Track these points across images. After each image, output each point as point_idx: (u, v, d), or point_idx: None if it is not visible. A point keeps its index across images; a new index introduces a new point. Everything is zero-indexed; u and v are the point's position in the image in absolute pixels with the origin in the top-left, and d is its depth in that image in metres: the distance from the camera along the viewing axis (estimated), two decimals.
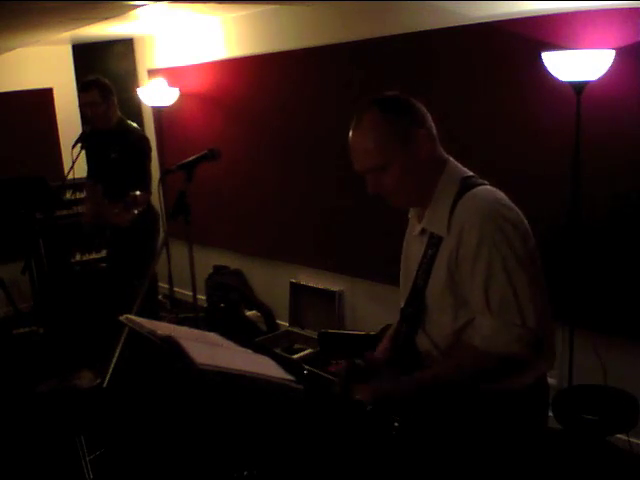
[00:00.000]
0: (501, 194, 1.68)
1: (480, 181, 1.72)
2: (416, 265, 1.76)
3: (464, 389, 1.63)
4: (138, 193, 3.66)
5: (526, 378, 1.65)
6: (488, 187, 1.70)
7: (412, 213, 1.87)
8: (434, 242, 1.70)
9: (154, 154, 5.20)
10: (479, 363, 1.61)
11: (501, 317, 1.58)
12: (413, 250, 1.83)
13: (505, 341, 1.57)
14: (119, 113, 3.99)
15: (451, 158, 1.77)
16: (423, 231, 1.75)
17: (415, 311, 1.75)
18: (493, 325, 1.58)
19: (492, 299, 1.58)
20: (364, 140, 1.67)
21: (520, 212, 1.67)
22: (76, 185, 5.09)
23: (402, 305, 1.82)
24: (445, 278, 1.65)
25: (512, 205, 1.66)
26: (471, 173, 1.75)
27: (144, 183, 3.87)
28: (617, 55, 2.64)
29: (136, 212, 3.69)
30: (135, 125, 4.08)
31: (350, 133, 1.71)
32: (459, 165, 1.77)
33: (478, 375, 1.62)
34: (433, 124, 1.73)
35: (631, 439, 2.93)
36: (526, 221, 1.67)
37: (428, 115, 1.73)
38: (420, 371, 1.69)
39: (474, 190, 1.67)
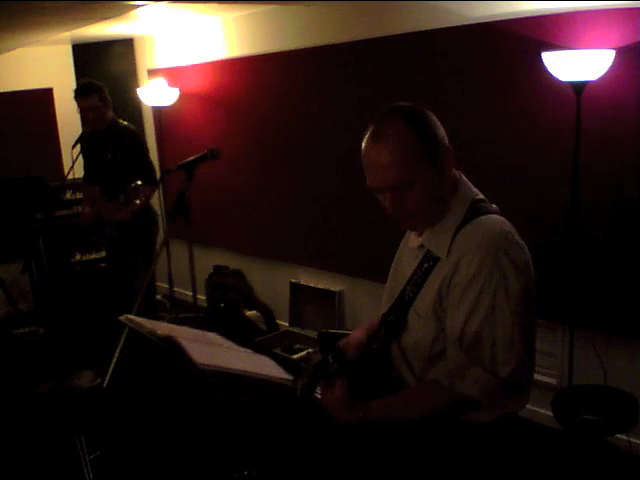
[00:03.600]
0: (508, 226, 1.57)
1: (490, 207, 1.63)
2: (407, 275, 1.69)
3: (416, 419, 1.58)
4: (139, 183, 3.65)
5: (485, 417, 1.56)
6: (496, 217, 1.60)
7: None
8: (431, 257, 1.62)
9: (154, 154, 5.22)
10: (434, 398, 1.55)
11: (469, 354, 1.50)
12: (407, 260, 1.75)
13: (465, 380, 1.51)
14: (112, 113, 4.00)
15: (463, 176, 1.67)
16: (421, 246, 1.67)
17: (396, 321, 1.68)
18: (458, 360, 1.52)
19: (467, 334, 1.50)
20: (389, 153, 1.51)
21: (525, 247, 1.57)
22: (76, 185, 5.08)
23: (384, 311, 1.75)
24: (433, 301, 1.58)
25: (518, 240, 1.56)
26: (481, 195, 1.65)
27: (148, 177, 3.88)
28: (617, 55, 2.64)
29: (138, 202, 3.67)
30: (126, 123, 4.09)
31: (368, 145, 1.56)
32: (470, 184, 1.67)
33: (431, 410, 1.56)
34: None
35: (631, 439, 2.93)
36: (529, 256, 1.57)
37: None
38: (376, 401, 1.60)
39: (482, 218, 1.58)
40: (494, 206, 1.67)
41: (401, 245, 1.86)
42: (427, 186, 1.55)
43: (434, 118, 1.59)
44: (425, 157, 1.53)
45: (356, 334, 1.87)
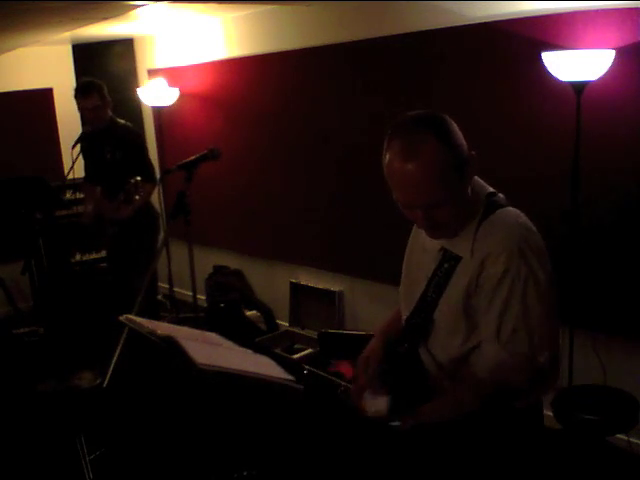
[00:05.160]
0: (523, 217, 1.60)
1: (502, 199, 1.65)
2: (426, 276, 1.68)
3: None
4: (139, 178, 3.65)
5: (519, 403, 1.61)
6: (511, 209, 1.61)
7: None
8: (450, 257, 1.62)
9: (154, 154, 5.22)
10: (479, 392, 1.57)
11: (509, 348, 1.54)
12: (423, 261, 1.73)
13: (509, 372, 1.54)
14: (110, 112, 4.00)
15: None
16: (441, 248, 1.65)
17: (421, 323, 1.68)
18: (499, 355, 1.55)
19: (504, 329, 1.54)
20: (424, 173, 1.46)
21: (539, 234, 1.61)
22: (76, 185, 5.09)
23: (406, 315, 1.74)
24: (461, 301, 1.59)
25: (534, 228, 1.60)
26: (491, 188, 1.66)
27: (147, 175, 3.87)
28: (617, 55, 2.64)
29: (138, 198, 3.66)
30: (124, 122, 4.08)
31: (398, 163, 1.49)
32: (479, 179, 1.66)
33: (477, 405, 1.57)
34: None
35: (631, 439, 2.93)
36: (543, 241, 1.61)
37: None
38: (420, 407, 1.59)
39: (498, 213, 1.59)
40: (501, 195, 1.67)
41: (410, 247, 1.83)
42: (458, 198, 1.54)
43: (455, 126, 1.55)
44: (456, 171, 1.50)
45: (372, 346, 1.84)
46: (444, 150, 1.47)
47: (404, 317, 1.76)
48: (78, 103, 3.92)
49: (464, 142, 1.54)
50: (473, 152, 1.56)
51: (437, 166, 1.47)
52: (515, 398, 1.60)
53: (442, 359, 1.66)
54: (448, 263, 1.62)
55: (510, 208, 1.62)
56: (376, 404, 1.59)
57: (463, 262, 1.60)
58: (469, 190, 1.58)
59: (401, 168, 1.48)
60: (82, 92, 3.87)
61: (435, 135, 1.47)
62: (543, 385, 1.62)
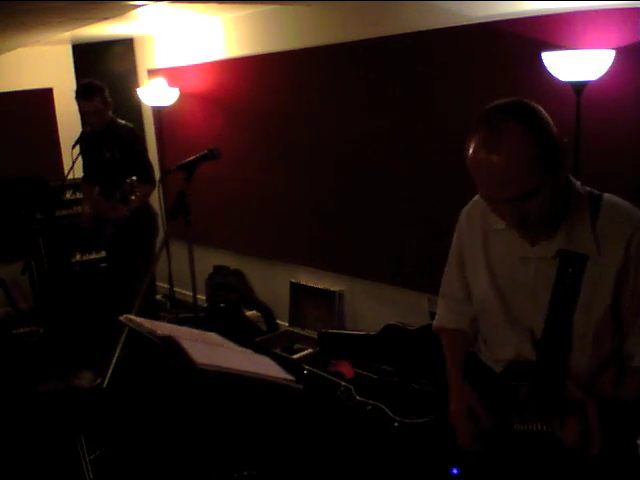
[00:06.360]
0: None
1: (593, 189, 1.57)
2: (533, 289, 1.54)
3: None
4: (134, 178, 3.64)
5: None
6: (608, 194, 1.55)
7: (507, 228, 1.55)
8: (572, 260, 1.48)
9: (154, 154, 5.22)
10: None
11: None
12: (524, 272, 1.57)
13: None
14: (110, 112, 4.00)
15: None
16: (556, 253, 1.50)
17: (560, 340, 1.50)
18: None
19: None
20: (507, 165, 1.36)
21: None
22: (76, 185, 5.09)
23: (527, 338, 1.57)
24: (610, 300, 1.47)
25: None
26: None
27: (145, 175, 3.87)
28: (617, 55, 2.64)
29: (134, 198, 3.65)
30: (124, 122, 4.08)
31: (480, 154, 1.40)
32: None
33: None
34: None
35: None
36: None
37: None
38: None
39: (608, 199, 1.52)
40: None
41: (498, 258, 1.64)
42: (548, 193, 1.41)
43: (546, 114, 1.44)
44: (545, 164, 1.38)
45: (460, 395, 1.67)
46: (530, 141, 1.37)
47: (534, 341, 1.57)
48: (79, 105, 3.91)
49: (555, 131, 1.42)
50: (565, 139, 1.45)
51: (521, 158, 1.36)
52: None
53: (581, 371, 1.53)
54: (572, 266, 1.48)
55: (606, 193, 1.56)
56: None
57: (591, 261, 1.47)
58: (563, 184, 1.47)
59: (482, 159, 1.39)
60: (84, 95, 3.85)
61: (521, 124, 1.38)
62: None
